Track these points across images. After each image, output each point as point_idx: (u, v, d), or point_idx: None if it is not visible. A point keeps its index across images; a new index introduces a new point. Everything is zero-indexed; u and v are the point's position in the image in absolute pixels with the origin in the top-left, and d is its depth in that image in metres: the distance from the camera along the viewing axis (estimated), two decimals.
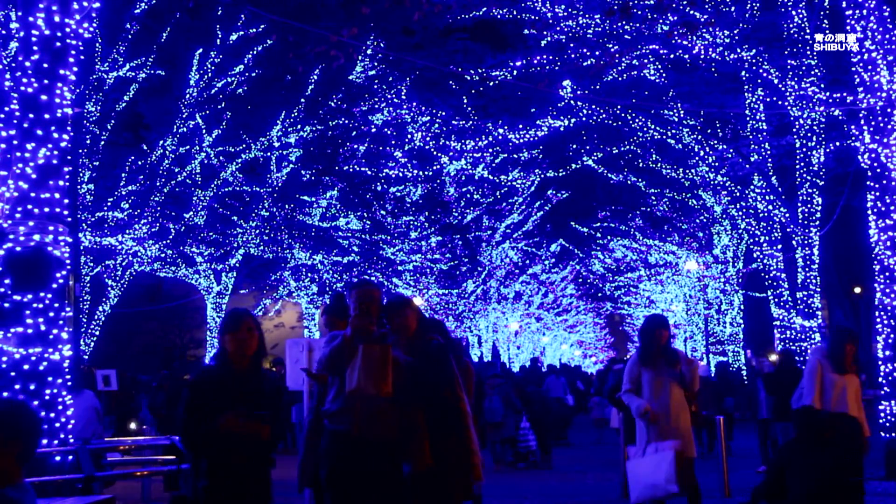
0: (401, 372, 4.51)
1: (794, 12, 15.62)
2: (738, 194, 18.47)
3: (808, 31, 15.47)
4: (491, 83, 19.92)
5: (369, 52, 19.44)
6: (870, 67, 11.58)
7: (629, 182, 26.52)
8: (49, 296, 7.56)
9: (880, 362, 11.73)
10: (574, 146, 24.87)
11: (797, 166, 16.80)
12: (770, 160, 17.74)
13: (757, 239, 18.14)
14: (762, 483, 5.87)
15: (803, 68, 15.38)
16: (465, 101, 23.14)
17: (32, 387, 7.36)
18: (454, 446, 4.88)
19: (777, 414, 11.87)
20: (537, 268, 37.71)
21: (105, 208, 20.03)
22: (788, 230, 17.00)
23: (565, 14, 15.72)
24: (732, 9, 15.84)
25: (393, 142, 24.50)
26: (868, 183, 12.13)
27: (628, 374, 7.22)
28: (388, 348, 4.41)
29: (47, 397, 7.43)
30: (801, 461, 5.53)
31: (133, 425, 12.49)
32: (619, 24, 15.05)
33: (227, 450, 4.02)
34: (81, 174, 18.21)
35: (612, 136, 23.23)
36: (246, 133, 21.88)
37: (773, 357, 15.40)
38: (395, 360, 4.46)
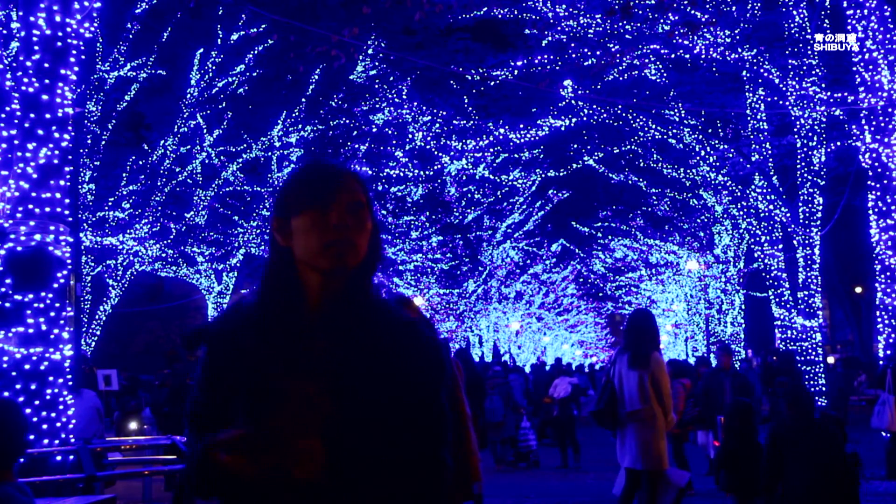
0: None
1: (794, 12, 15.61)
2: (739, 194, 18.46)
3: (808, 30, 15.46)
4: (492, 83, 19.93)
5: (370, 51, 19.44)
6: (871, 67, 11.59)
7: (630, 182, 26.54)
8: (50, 295, 7.56)
9: (881, 362, 11.74)
10: (575, 146, 24.90)
11: (798, 166, 16.80)
12: (771, 160, 17.73)
13: (758, 239, 18.14)
14: (764, 479, 5.80)
15: (804, 68, 15.38)
16: (466, 100, 23.15)
17: (33, 387, 7.37)
18: (453, 447, 4.89)
19: (774, 413, 11.91)
20: (538, 267, 37.71)
21: (106, 208, 20.04)
22: (789, 230, 16.99)
23: (566, 14, 15.73)
24: (733, 8, 15.83)
25: (394, 141, 24.49)
26: (869, 183, 12.16)
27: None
28: None
29: (48, 397, 7.44)
30: (802, 449, 5.55)
31: (134, 425, 12.48)
32: (620, 23, 15.05)
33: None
34: (82, 174, 18.23)
35: (613, 136, 23.24)
36: (247, 133, 21.87)
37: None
38: None
